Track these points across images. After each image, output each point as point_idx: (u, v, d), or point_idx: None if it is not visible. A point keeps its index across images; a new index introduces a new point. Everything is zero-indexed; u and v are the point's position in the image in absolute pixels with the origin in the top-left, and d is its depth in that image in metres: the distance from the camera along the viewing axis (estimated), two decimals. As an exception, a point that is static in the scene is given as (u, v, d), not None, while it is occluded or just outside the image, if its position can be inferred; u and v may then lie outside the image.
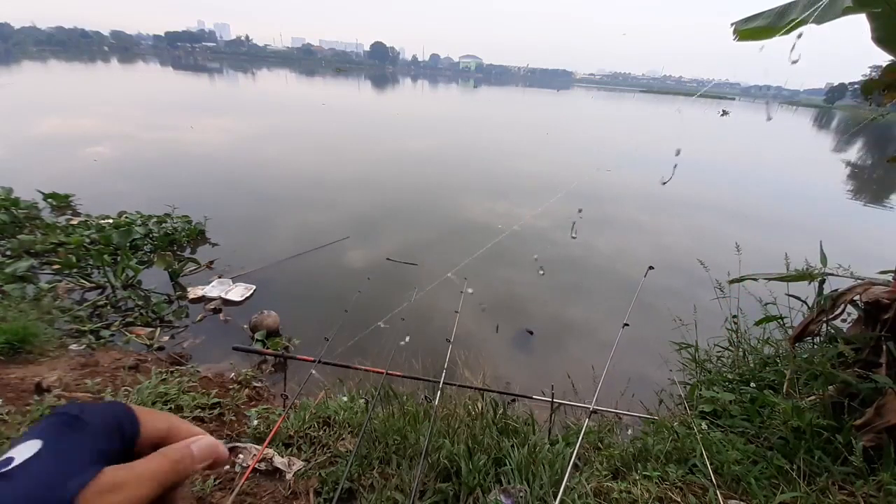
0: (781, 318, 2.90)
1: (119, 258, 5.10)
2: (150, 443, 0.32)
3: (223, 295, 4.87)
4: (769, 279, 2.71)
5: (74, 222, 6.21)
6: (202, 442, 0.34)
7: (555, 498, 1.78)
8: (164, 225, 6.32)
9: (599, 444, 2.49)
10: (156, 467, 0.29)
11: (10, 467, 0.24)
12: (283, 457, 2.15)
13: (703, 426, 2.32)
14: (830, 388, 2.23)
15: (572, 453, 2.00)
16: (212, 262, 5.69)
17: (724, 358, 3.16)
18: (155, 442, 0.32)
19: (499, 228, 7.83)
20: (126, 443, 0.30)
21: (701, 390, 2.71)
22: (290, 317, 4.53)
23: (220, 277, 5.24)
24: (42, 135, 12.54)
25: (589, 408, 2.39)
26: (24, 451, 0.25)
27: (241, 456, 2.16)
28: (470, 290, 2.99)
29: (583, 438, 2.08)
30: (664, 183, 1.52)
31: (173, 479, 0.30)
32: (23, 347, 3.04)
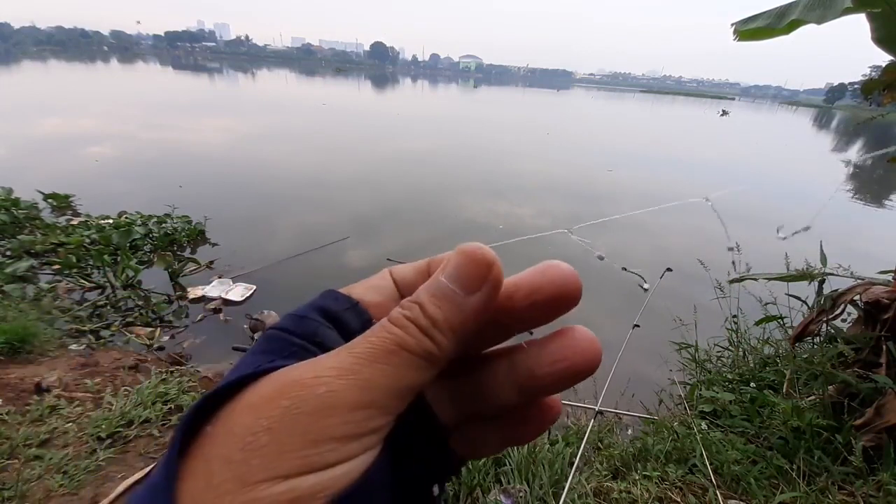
0: (781, 318, 2.90)
1: (119, 258, 5.10)
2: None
3: (223, 295, 4.87)
4: (769, 279, 2.71)
5: (74, 222, 6.21)
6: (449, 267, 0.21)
7: (555, 498, 1.78)
8: (164, 225, 6.32)
9: (599, 444, 2.49)
10: (366, 351, 0.19)
11: None
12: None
13: (703, 426, 2.32)
14: (830, 388, 2.23)
15: (574, 454, 2.00)
16: (212, 262, 5.69)
17: (724, 358, 3.16)
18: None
19: (500, 229, 7.85)
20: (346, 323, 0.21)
21: (701, 390, 2.71)
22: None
23: (220, 277, 5.24)
24: (42, 135, 12.54)
25: (594, 409, 2.39)
26: None
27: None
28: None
29: (585, 439, 2.08)
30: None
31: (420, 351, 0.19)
32: (23, 347, 3.04)
